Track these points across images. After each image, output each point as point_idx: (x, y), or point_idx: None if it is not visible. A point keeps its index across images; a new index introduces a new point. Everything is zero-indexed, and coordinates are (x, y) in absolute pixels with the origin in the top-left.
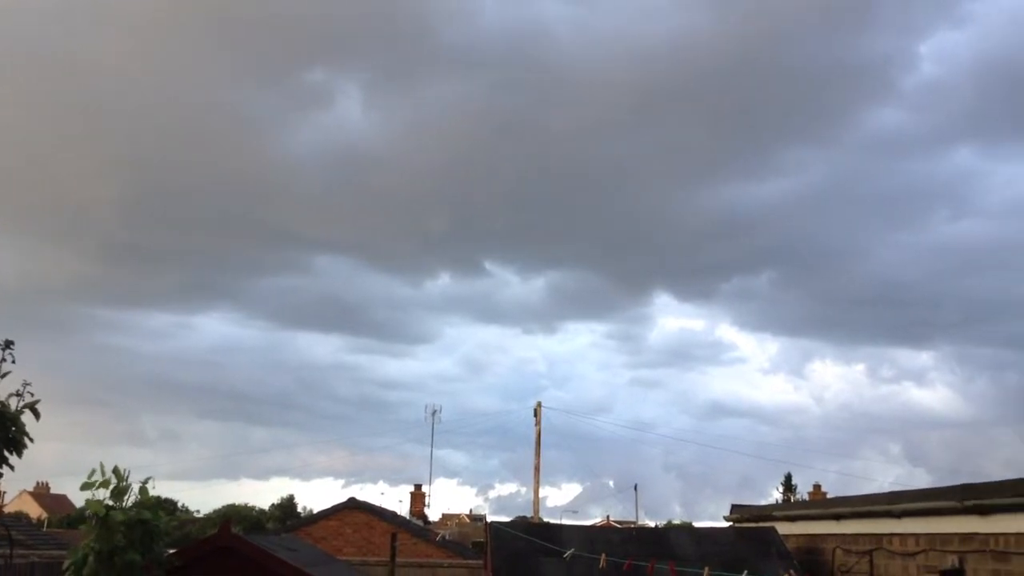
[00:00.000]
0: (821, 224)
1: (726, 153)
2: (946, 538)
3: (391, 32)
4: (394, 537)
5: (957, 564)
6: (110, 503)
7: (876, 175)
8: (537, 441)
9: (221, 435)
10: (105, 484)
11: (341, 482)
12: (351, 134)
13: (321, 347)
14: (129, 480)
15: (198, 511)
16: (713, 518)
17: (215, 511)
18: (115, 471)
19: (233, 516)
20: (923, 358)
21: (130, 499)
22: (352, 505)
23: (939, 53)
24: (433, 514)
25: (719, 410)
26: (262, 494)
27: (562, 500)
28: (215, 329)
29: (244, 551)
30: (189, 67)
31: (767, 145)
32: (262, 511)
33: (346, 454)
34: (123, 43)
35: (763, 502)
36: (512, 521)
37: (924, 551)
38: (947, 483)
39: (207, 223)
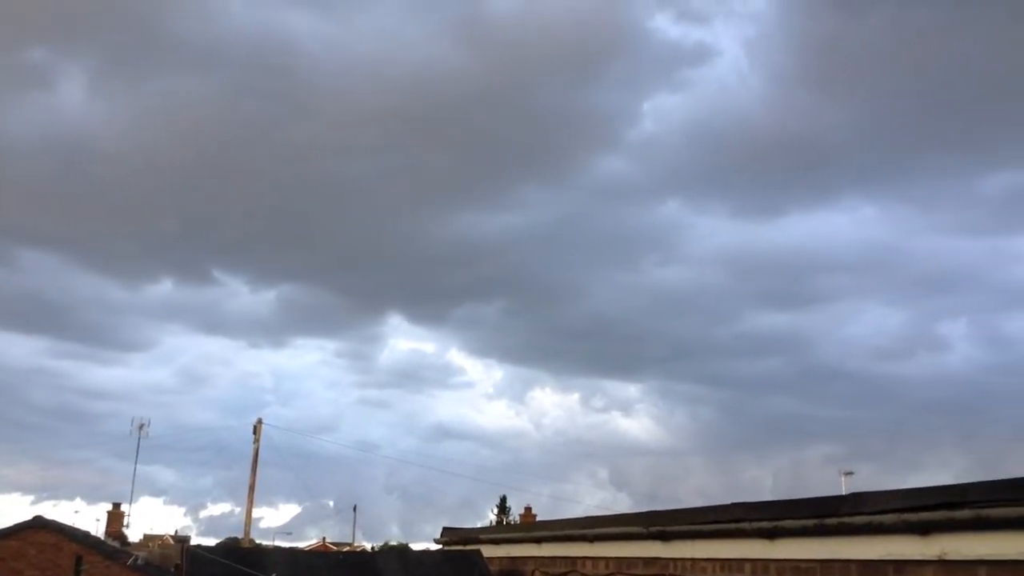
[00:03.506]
0: (548, 259)
1: (466, 183)
2: (632, 562)
3: (121, 18)
4: (79, 560)
5: None
6: None
7: (599, 218)
8: (254, 459)
9: None
10: None
11: (31, 498)
12: (71, 121)
13: (17, 349)
14: None
15: None
16: (429, 540)
17: None
18: None
19: None
20: (631, 390)
21: None
22: (37, 524)
23: (658, 112)
24: (134, 535)
25: (444, 432)
26: None
27: (279, 521)
28: None
29: None
30: None
31: (505, 179)
32: None
33: (37, 468)
34: None
35: (480, 524)
36: (216, 544)
37: (613, 574)
38: (645, 508)
39: None
